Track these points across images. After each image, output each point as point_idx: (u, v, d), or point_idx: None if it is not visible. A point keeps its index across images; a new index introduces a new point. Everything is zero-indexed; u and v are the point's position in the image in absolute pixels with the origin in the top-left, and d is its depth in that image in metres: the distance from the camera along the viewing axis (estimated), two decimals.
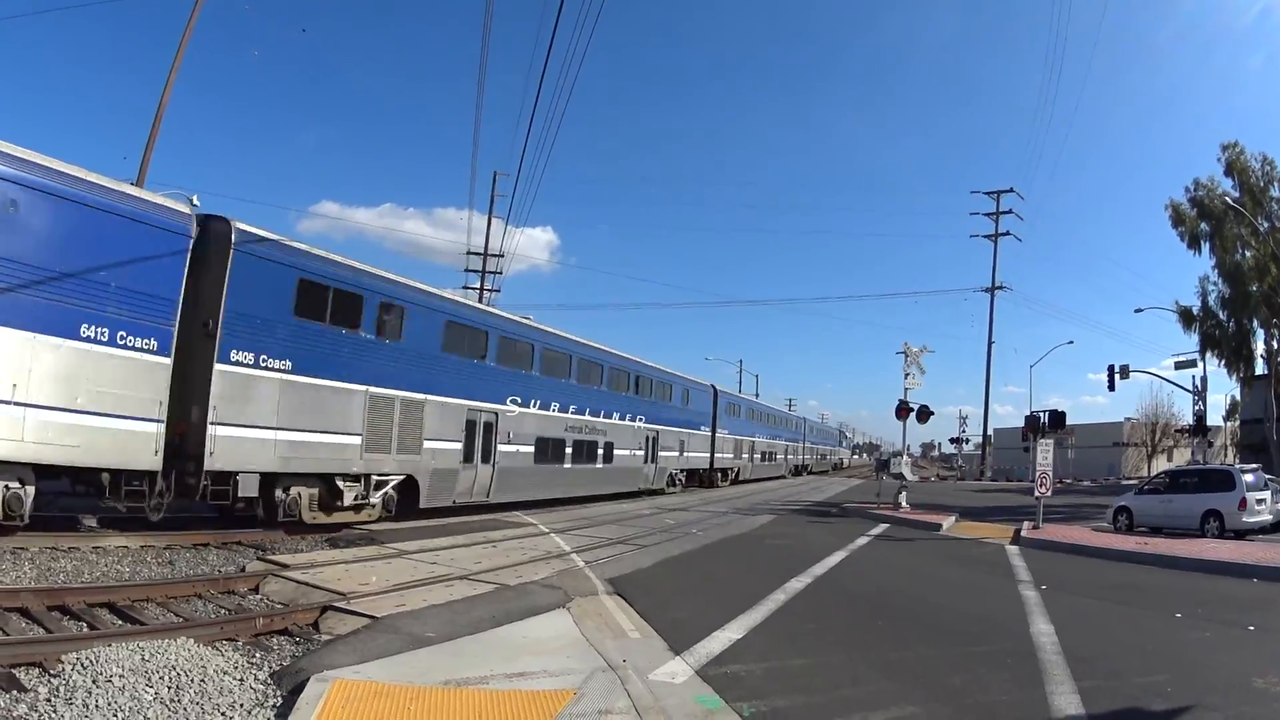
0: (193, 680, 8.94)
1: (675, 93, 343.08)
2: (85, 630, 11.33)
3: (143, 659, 9.26)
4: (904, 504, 38.56)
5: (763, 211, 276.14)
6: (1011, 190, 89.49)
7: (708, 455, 57.98)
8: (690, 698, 9.09)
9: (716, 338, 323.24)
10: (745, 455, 68.66)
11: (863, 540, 26.96)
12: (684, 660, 10.64)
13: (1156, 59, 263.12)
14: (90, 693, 8.36)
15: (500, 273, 57.24)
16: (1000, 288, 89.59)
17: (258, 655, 10.62)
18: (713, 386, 60.12)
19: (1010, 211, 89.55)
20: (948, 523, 33.06)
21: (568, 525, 27.23)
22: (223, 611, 13.15)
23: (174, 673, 9.02)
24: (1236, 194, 55.95)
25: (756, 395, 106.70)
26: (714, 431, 58.82)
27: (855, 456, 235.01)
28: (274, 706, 8.66)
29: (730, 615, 13.50)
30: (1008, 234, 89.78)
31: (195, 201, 19.81)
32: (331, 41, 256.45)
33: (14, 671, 9.00)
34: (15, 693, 8.42)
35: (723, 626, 12.66)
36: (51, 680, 8.79)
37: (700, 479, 57.81)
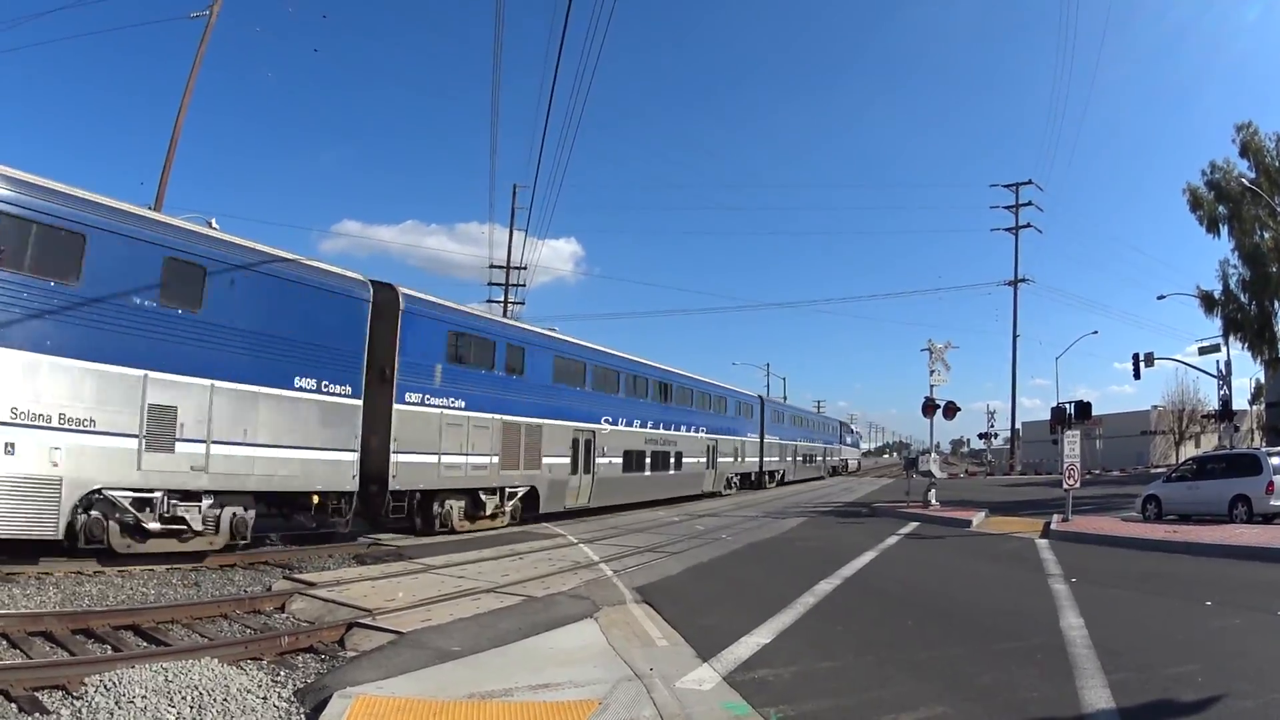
0: (215, 700, 8.92)
1: (692, 97, 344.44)
2: (109, 652, 11.33)
3: (166, 680, 9.23)
4: (933, 501, 38.46)
5: (785, 213, 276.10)
6: (1030, 182, 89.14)
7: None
8: (718, 704, 9.05)
9: (744, 342, 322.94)
10: (557, 457, 33.69)
11: (892, 539, 26.89)
12: (711, 667, 10.59)
13: (1167, 38, 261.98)
14: (112, 714, 8.39)
15: (524, 285, 56.88)
16: (1023, 280, 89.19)
17: (282, 674, 10.61)
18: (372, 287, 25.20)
19: (1030, 204, 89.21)
20: (977, 519, 32.98)
21: (596, 535, 27.10)
22: (248, 631, 13.12)
23: (197, 693, 9.00)
24: (1253, 175, 55.62)
25: (784, 398, 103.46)
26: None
27: (886, 456, 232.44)
28: None
29: (759, 620, 13.43)
30: (1028, 226, 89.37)
31: (214, 225, 19.77)
32: (346, 60, 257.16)
33: (37, 694, 9.06)
34: (38, 715, 8.48)
35: (751, 631, 12.60)
36: (74, 703, 8.79)
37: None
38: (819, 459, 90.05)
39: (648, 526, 30.77)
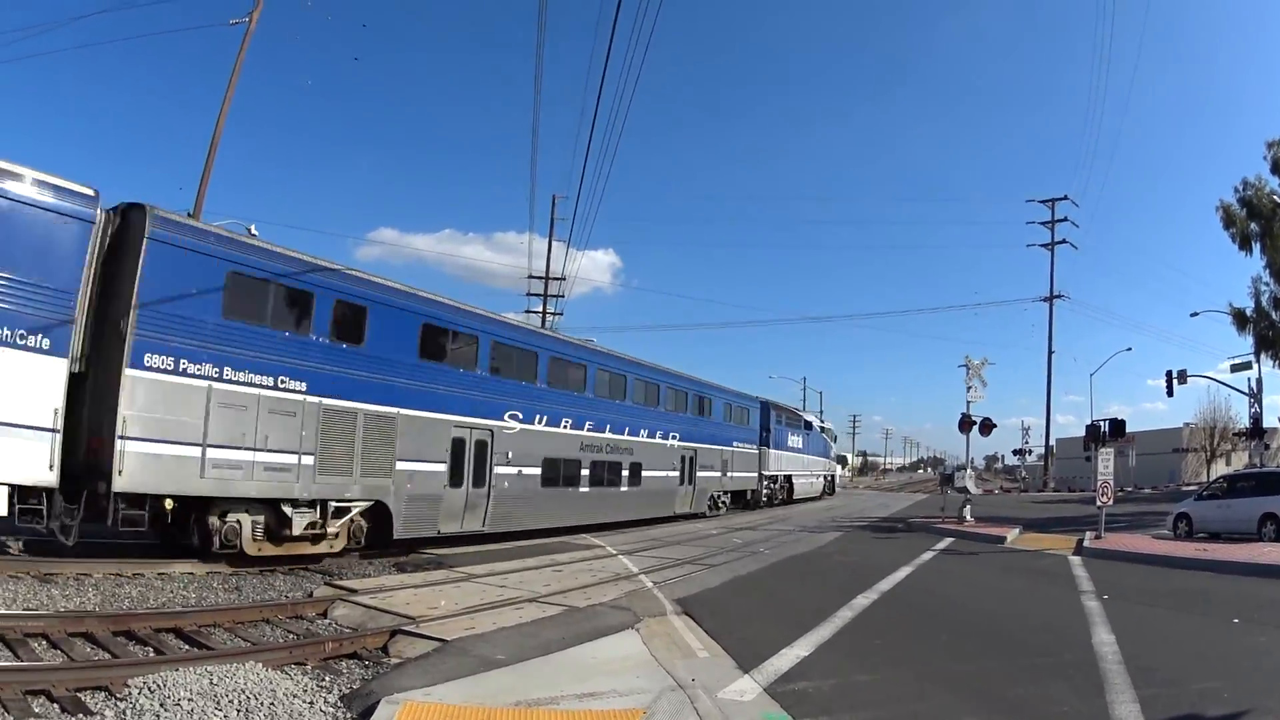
0: (262, 704, 8.98)
1: (732, 110, 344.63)
2: (151, 655, 11.43)
3: (211, 683, 9.30)
4: (968, 517, 38.12)
5: (822, 226, 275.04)
6: (1065, 198, 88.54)
7: None
8: (759, 715, 9.18)
9: (781, 355, 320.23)
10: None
11: (927, 555, 26.79)
12: (752, 678, 10.68)
13: (1205, 55, 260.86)
14: (159, 716, 8.49)
15: (563, 296, 56.41)
16: (1058, 296, 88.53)
17: (327, 679, 10.70)
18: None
19: (1065, 219, 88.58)
20: (1011, 535, 32.78)
21: (636, 547, 26.97)
22: (291, 636, 13.19)
23: (243, 696, 9.06)
24: None
25: (820, 413, 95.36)
26: None
27: (921, 471, 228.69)
28: None
29: (799, 633, 13.53)
30: (1064, 242, 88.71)
31: (253, 231, 19.71)
32: (386, 68, 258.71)
33: (79, 695, 9.19)
34: (81, 716, 8.62)
35: (791, 644, 12.69)
36: (118, 704, 8.91)
37: None
38: (662, 475, 40.01)
39: (686, 539, 30.55)
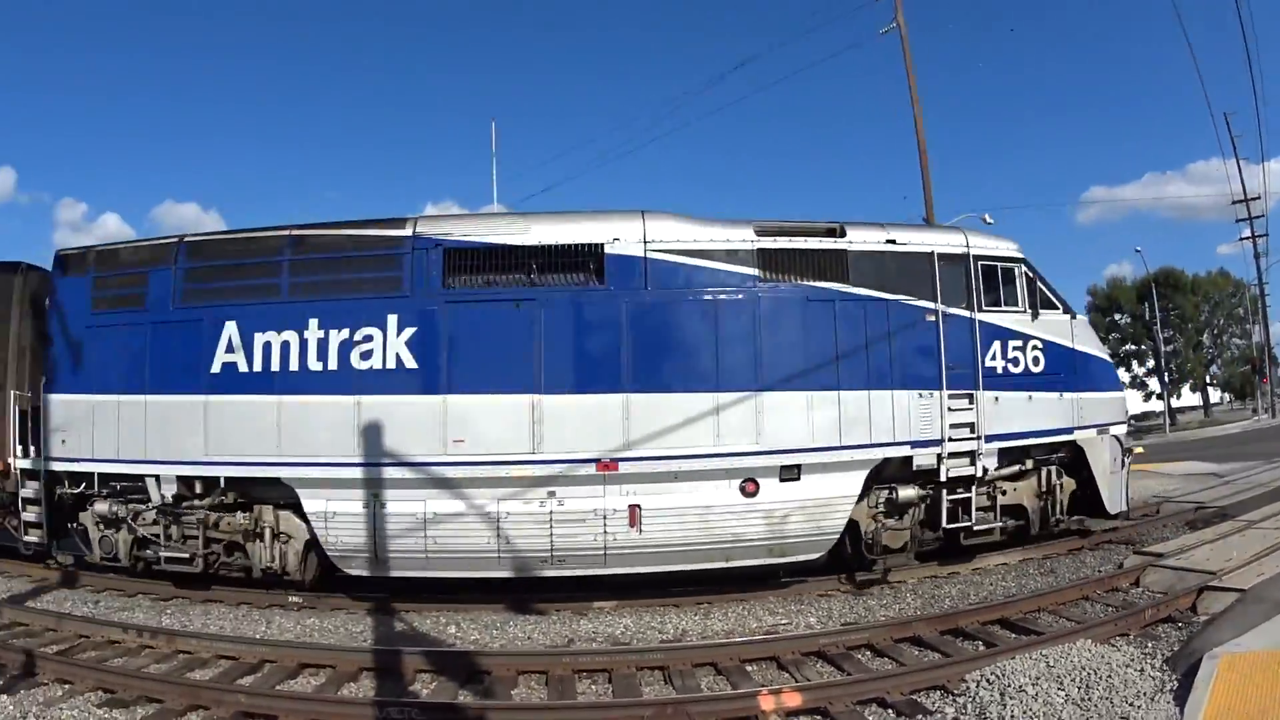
0: (1099, 678, 9.46)
1: None
2: (981, 649, 11.89)
3: (1047, 665, 9.79)
4: None
5: None
6: None
7: None
8: None
9: None
10: None
11: None
12: None
13: None
14: (1003, 704, 9.07)
15: (1263, 215, 52.80)
16: None
17: (1149, 645, 11.02)
18: None
19: None
20: None
21: None
22: (1109, 609, 13.42)
23: (1081, 673, 9.55)
24: None
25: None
26: None
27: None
28: (1171, 690, 9.23)
29: None
30: None
31: (987, 219, 20.25)
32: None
33: (914, 697, 9.94)
34: (920, 717, 9.42)
35: None
36: (955, 700, 9.67)
37: None
38: None
39: None
